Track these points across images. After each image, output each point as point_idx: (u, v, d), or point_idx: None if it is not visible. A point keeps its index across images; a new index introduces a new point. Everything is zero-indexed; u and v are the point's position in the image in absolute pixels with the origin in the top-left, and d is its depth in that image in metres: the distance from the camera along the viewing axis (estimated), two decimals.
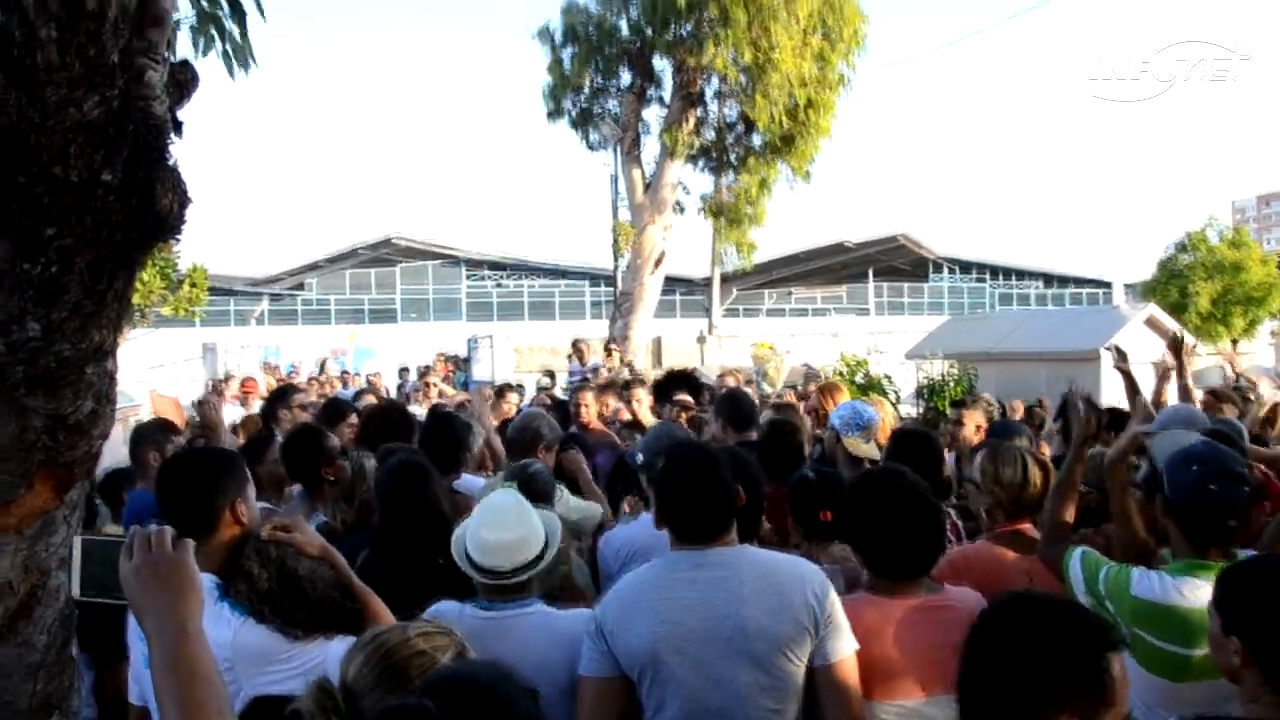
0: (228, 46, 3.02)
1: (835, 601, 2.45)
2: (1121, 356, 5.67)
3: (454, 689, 1.51)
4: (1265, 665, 1.95)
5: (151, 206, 1.92)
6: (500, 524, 2.66)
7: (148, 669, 2.28)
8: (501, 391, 8.57)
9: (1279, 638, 1.89)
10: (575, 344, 12.88)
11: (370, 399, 9.99)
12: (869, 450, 4.26)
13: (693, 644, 2.36)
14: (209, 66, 3.04)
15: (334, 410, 5.75)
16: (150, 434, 4.73)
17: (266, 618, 2.29)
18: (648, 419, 6.64)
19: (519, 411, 6.89)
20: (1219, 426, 4.16)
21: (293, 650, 2.30)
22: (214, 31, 3.01)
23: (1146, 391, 5.50)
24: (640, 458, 3.91)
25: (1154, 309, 12.84)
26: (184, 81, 2.14)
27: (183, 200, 1.99)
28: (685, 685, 2.36)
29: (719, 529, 2.52)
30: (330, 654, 2.28)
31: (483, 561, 2.63)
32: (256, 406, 10.78)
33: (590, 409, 6.54)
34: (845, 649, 2.42)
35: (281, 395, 6.73)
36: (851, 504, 2.80)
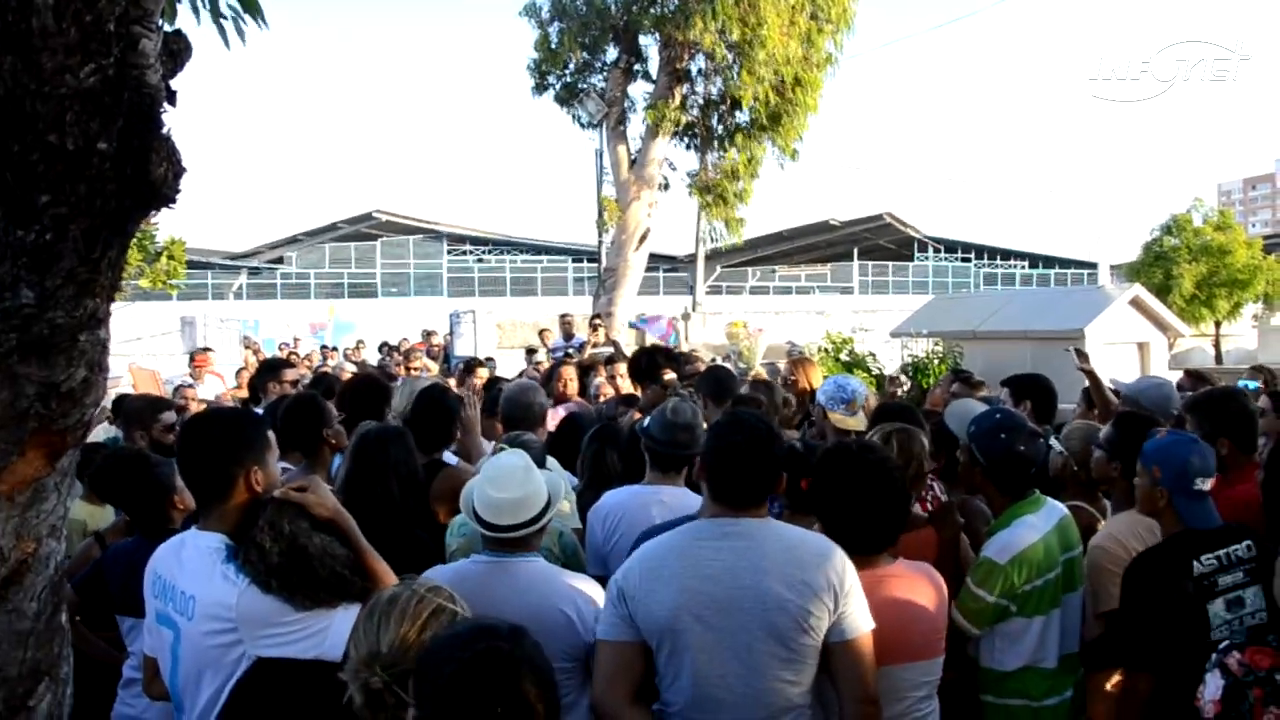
0: (224, 7, 2.98)
1: (855, 579, 2.45)
2: (1082, 358, 5.74)
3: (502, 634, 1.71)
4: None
5: (146, 175, 1.93)
6: (505, 483, 2.80)
7: (160, 624, 2.45)
8: (471, 367, 8.59)
9: None
10: (562, 318, 12.86)
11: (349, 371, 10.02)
12: (855, 423, 4.30)
13: (713, 613, 2.37)
14: (197, 36, 3.02)
15: (326, 385, 5.82)
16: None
17: (273, 590, 2.30)
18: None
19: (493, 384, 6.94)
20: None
21: (297, 615, 2.31)
22: None
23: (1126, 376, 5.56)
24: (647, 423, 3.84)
25: (1139, 289, 12.80)
26: (177, 51, 2.13)
27: (177, 169, 1.99)
28: (704, 653, 2.37)
29: (756, 497, 2.53)
30: (335, 621, 2.33)
31: (487, 517, 2.77)
32: (207, 381, 10.63)
33: (572, 384, 6.84)
34: (863, 626, 2.43)
35: (271, 369, 6.67)
36: (818, 477, 2.80)
